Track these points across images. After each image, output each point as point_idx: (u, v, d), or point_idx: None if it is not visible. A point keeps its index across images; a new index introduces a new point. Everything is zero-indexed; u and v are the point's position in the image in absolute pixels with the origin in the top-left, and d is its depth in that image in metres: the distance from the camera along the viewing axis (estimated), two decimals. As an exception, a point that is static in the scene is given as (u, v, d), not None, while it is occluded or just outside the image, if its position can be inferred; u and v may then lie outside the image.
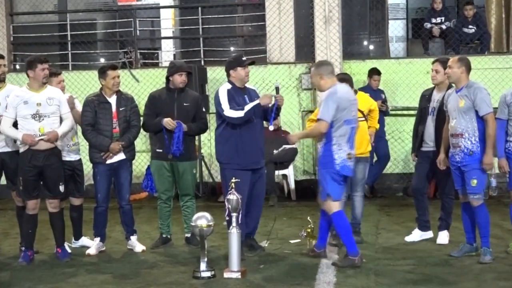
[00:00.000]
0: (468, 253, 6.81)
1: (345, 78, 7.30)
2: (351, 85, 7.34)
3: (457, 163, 6.67)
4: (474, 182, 6.52)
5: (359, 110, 7.22)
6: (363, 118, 7.48)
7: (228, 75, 7.03)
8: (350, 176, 6.70)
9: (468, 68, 6.72)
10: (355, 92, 7.53)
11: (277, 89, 7.02)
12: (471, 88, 6.58)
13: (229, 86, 6.97)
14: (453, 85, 6.85)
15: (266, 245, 7.37)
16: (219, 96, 6.90)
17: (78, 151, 7.51)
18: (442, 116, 7.12)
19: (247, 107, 6.80)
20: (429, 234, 7.56)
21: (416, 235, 7.58)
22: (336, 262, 6.56)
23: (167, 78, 7.48)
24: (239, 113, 6.79)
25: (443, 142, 6.95)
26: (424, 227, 7.56)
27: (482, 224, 6.61)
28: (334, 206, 6.50)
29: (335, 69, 10.84)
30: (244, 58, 7.08)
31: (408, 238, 7.60)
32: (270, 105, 6.92)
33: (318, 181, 6.84)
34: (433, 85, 7.42)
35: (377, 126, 7.95)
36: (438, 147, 7.16)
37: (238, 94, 6.94)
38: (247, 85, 7.13)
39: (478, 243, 6.75)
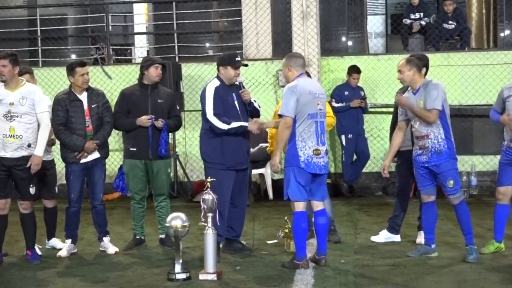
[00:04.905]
0: (425, 254, 6.73)
1: None
2: None
3: (423, 163, 6.60)
4: (451, 183, 6.51)
5: None
6: None
7: (218, 70, 6.89)
8: (321, 174, 6.42)
9: (419, 68, 6.62)
10: None
11: (240, 84, 6.89)
12: (427, 87, 6.51)
13: (218, 83, 6.82)
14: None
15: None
16: (206, 95, 6.75)
17: (48, 151, 7.30)
18: None
19: (234, 125, 6.67)
20: (396, 238, 7.46)
21: (382, 236, 7.50)
22: (285, 263, 6.48)
23: (142, 73, 7.33)
24: (223, 126, 6.67)
25: (392, 148, 6.86)
26: (393, 230, 7.47)
27: (464, 221, 6.58)
28: (296, 206, 6.37)
29: (313, 66, 10.97)
30: (237, 59, 6.91)
31: (374, 238, 7.54)
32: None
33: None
34: None
35: None
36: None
37: (226, 93, 6.80)
38: None
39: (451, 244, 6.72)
